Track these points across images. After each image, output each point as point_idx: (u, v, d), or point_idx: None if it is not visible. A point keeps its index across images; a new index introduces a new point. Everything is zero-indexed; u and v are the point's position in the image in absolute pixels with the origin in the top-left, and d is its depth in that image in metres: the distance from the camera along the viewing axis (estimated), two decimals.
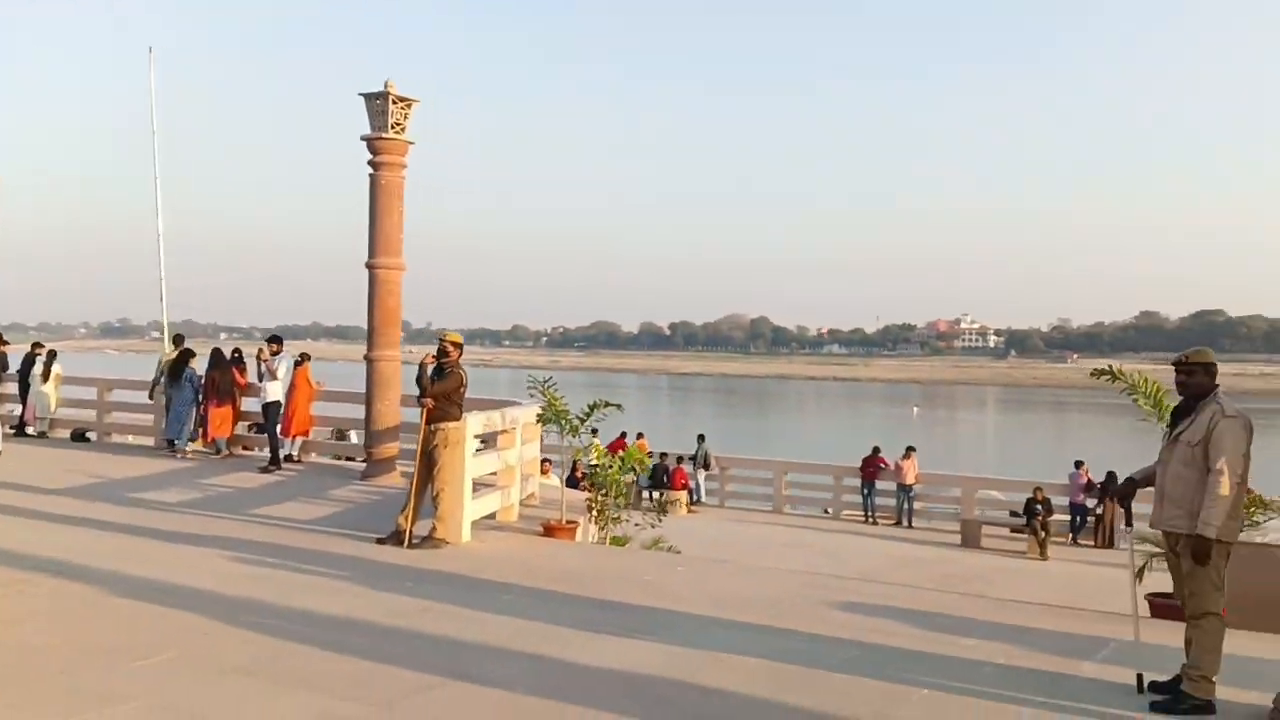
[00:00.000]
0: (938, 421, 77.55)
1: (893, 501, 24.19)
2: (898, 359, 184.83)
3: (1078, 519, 21.87)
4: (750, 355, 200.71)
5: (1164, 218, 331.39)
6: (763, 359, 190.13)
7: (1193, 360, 6.07)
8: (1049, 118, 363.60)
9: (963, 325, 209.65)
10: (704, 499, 25.77)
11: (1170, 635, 6.88)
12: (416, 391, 10.04)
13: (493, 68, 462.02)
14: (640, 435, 25.37)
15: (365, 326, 13.97)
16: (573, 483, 14.08)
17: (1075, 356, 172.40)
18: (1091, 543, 21.39)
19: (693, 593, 8.46)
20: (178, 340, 16.33)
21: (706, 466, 26.00)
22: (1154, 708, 5.69)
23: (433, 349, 10.22)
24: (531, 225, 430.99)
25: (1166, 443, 6.17)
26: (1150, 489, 6.30)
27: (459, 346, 10.17)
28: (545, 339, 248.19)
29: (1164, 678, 5.95)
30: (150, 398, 16.96)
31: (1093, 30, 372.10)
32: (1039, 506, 20.58)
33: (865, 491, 24.28)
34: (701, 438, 26.75)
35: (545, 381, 11.46)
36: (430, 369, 10.04)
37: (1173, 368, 6.15)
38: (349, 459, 18.14)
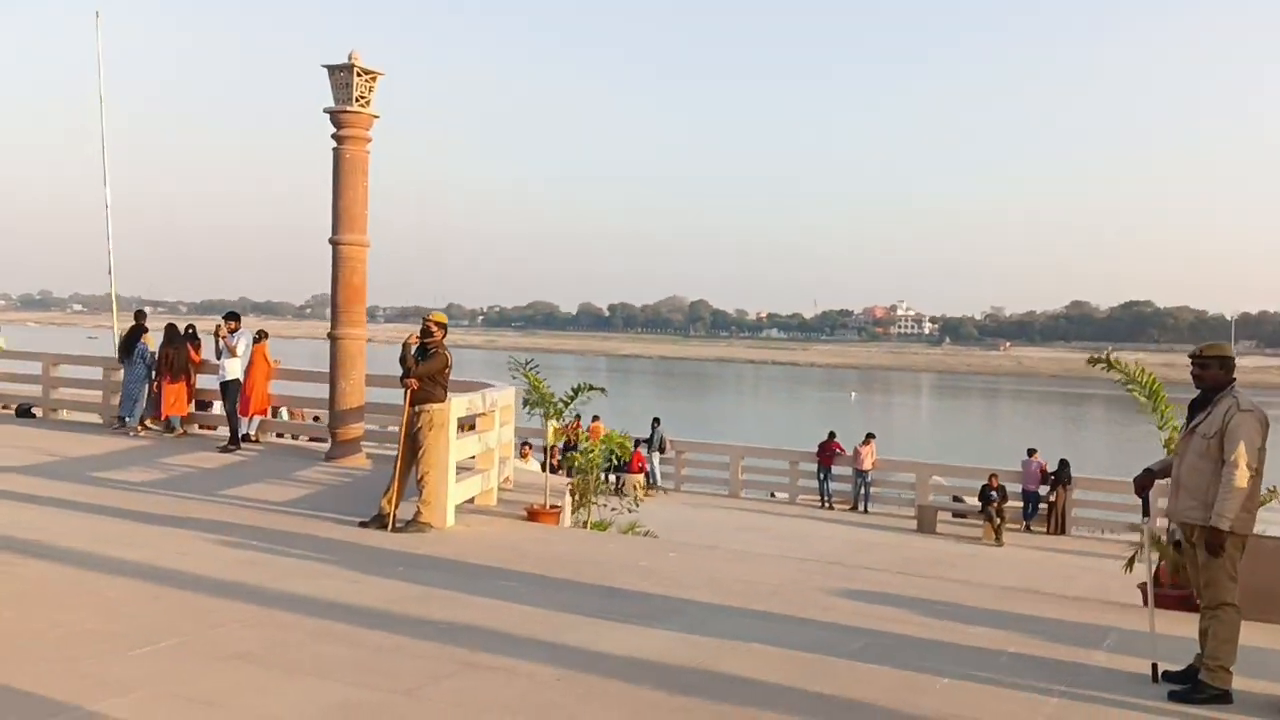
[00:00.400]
0: (875, 406, 78.51)
1: (847, 487, 24.38)
2: (835, 344, 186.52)
3: (1030, 506, 22.20)
4: (689, 338, 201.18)
5: (1095, 212, 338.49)
6: (702, 342, 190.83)
7: (1207, 354, 6.11)
8: (981, 115, 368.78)
9: (898, 312, 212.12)
10: (659, 482, 25.73)
11: (1171, 624, 6.97)
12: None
13: (430, 34, 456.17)
14: (596, 419, 25.22)
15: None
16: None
17: (1008, 345, 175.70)
18: (1044, 529, 21.75)
19: (691, 579, 8.39)
20: (139, 315, 15.85)
21: (662, 450, 25.96)
22: (1172, 697, 5.73)
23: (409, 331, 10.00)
24: (467, 200, 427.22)
25: (1183, 435, 6.22)
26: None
27: (443, 326, 9.97)
28: (481, 318, 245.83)
29: (1176, 667, 6.02)
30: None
31: (1019, 31, 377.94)
32: (994, 493, 20.87)
33: (821, 476, 24.44)
34: (657, 421, 26.69)
35: (527, 364, 11.29)
36: (414, 349, 9.82)
37: (1189, 360, 6.21)
38: (293, 437, 17.86)
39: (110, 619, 6.33)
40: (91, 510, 9.73)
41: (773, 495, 25.93)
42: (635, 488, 22.06)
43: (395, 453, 15.74)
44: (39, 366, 17.90)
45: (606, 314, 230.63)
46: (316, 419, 18.95)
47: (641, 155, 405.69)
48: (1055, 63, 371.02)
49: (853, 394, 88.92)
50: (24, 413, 17.37)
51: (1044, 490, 22.15)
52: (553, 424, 13.40)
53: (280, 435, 17.86)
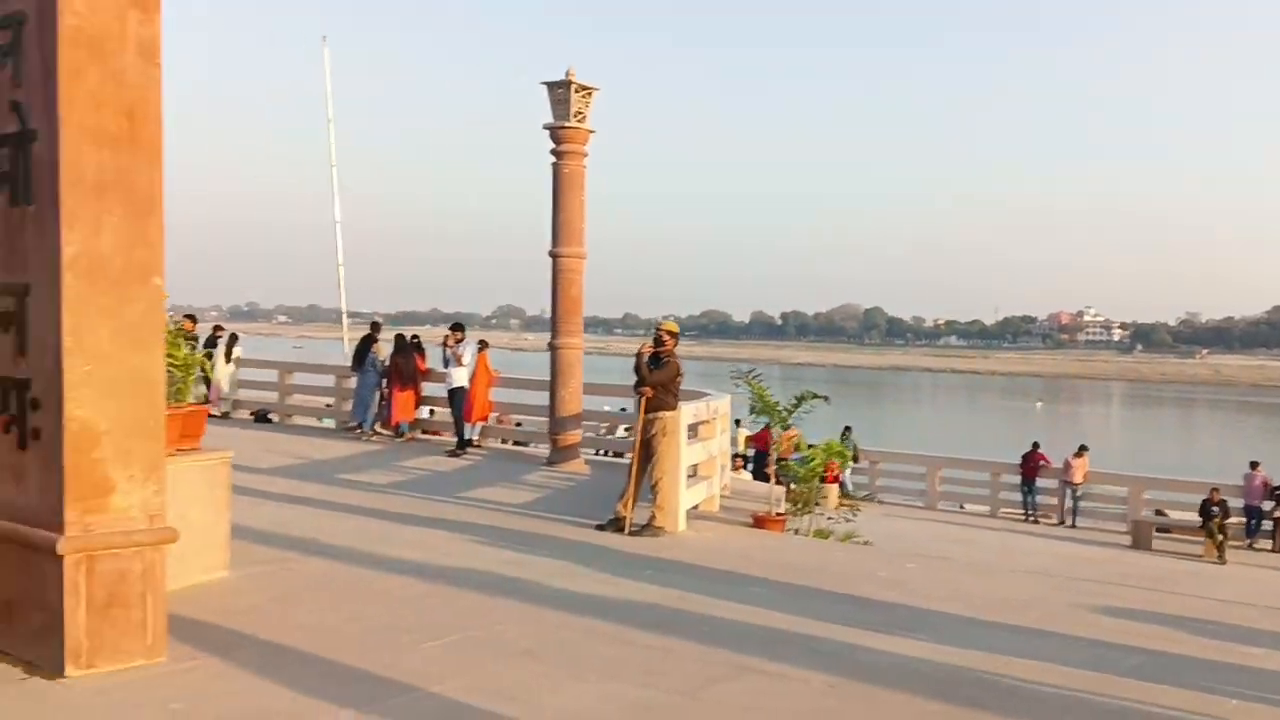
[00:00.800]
0: (1062, 416, 75.48)
1: (1051, 500, 23.61)
2: (1018, 351, 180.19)
3: (1254, 522, 21.00)
4: (864, 346, 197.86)
5: None
6: (877, 350, 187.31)
7: None
8: (1173, 109, 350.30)
9: (1085, 318, 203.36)
10: (852, 492, 25.46)
11: None
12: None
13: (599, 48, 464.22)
14: (789, 426, 25.12)
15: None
16: (761, 476, 14.06)
17: (1205, 352, 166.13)
18: (1269, 547, 20.54)
19: (936, 591, 8.36)
20: (374, 326, 16.79)
21: (855, 459, 25.66)
22: None
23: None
24: (641, 211, 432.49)
25: None
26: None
27: (675, 336, 10.24)
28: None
29: None
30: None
31: (1216, 20, 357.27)
32: (1215, 508, 19.84)
33: (1025, 489, 23.74)
34: (848, 429, 26.41)
35: (750, 373, 11.44)
36: (647, 358, 10.11)
37: None
38: (502, 440, 18.53)
39: (396, 614, 6.74)
40: (349, 510, 10.38)
41: (961, 507, 25.35)
42: (833, 497, 21.95)
43: (605, 458, 16.24)
44: (270, 374, 19.19)
45: (779, 322, 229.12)
46: (519, 424, 19.61)
47: (814, 160, 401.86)
48: (1243, 51, 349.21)
49: (1038, 403, 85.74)
50: (262, 418, 18.60)
51: (1268, 506, 20.93)
52: (744, 432, 13.42)
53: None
